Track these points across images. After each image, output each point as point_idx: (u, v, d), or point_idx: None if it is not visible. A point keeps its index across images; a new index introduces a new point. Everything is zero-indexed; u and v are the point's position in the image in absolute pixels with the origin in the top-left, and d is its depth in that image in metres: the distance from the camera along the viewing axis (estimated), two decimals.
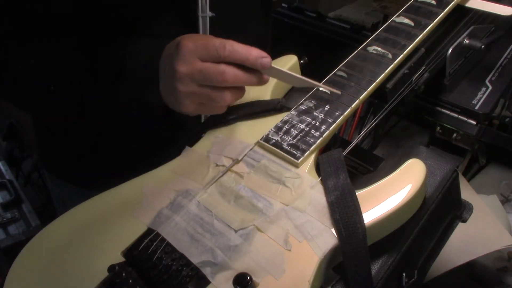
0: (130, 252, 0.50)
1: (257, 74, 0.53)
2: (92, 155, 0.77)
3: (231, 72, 0.51)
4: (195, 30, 0.67)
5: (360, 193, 0.49)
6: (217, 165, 0.56)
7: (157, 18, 0.66)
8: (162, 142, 0.63)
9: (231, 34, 0.74)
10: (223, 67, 0.51)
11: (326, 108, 0.57)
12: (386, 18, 1.12)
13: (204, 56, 0.52)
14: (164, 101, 0.58)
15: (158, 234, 0.50)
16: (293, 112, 0.58)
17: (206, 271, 0.46)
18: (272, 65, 0.53)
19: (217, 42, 0.51)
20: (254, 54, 0.51)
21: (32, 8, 0.60)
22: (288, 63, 0.68)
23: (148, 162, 0.58)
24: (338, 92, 0.57)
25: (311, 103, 0.58)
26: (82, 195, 0.57)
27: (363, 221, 0.46)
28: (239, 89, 0.55)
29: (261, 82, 0.54)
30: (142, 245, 0.50)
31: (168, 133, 0.66)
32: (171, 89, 0.54)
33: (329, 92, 0.57)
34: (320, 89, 0.58)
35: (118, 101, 0.62)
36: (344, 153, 0.54)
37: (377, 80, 0.58)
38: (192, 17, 0.67)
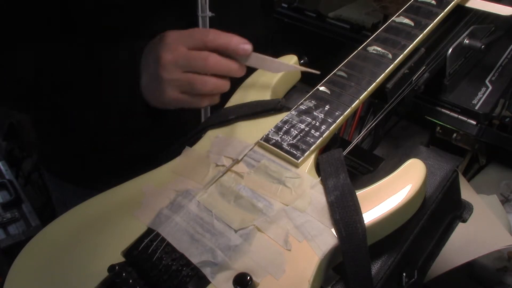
0: (130, 252, 0.50)
1: (238, 63, 0.56)
2: (91, 155, 0.77)
3: (214, 58, 0.54)
4: None
5: (360, 193, 0.49)
6: (217, 165, 0.56)
7: (157, 18, 0.66)
8: (162, 142, 0.63)
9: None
10: (206, 53, 0.54)
11: (326, 108, 0.57)
12: (386, 18, 1.12)
13: (188, 43, 0.54)
14: (146, 98, 0.59)
15: (158, 234, 0.50)
16: (293, 112, 0.58)
17: (206, 271, 0.46)
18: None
19: (201, 29, 0.54)
20: (235, 40, 0.55)
21: (30, 9, 0.60)
22: (288, 63, 0.68)
23: (148, 162, 0.58)
24: (317, 72, 0.59)
25: (311, 103, 0.58)
26: (82, 195, 0.57)
27: (363, 221, 0.46)
28: (222, 79, 0.56)
29: (241, 70, 0.57)
30: (142, 245, 0.50)
31: (167, 133, 0.66)
32: (154, 80, 0.56)
33: (312, 71, 0.60)
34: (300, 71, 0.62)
35: (106, 101, 0.62)
36: (344, 153, 0.54)
37: (377, 80, 0.58)
38: (192, 17, 0.67)
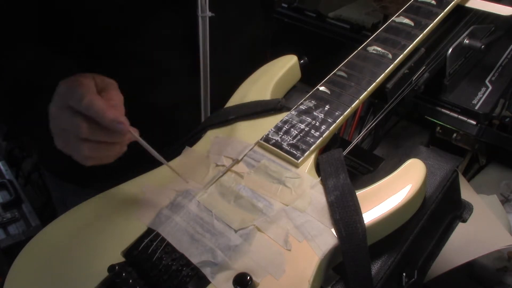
0: (130, 252, 0.50)
1: (117, 135, 0.50)
2: None
3: (85, 127, 0.48)
4: (195, 30, 0.67)
5: (360, 193, 0.49)
6: (217, 165, 0.56)
7: (157, 18, 0.66)
8: (162, 142, 0.63)
9: (231, 34, 0.75)
10: (78, 121, 0.48)
11: (326, 108, 0.57)
12: (386, 18, 1.12)
13: (67, 103, 0.49)
14: None
15: (158, 234, 0.50)
16: (293, 112, 0.58)
17: (206, 271, 0.46)
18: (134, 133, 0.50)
19: (80, 93, 0.48)
20: (109, 116, 0.47)
21: (28, 10, 0.60)
22: (288, 63, 0.68)
23: (148, 162, 0.58)
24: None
25: (311, 103, 0.58)
26: (82, 195, 0.57)
27: (363, 221, 0.46)
28: (104, 144, 0.50)
29: (121, 146, 0.51)
30: (142, 245, 0.50)
31: (167, 133, 0.66)
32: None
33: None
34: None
35: None
36: (344, 153, 0.54)
37: (377, 80, 0.58)
38: (192, 17, 0.67)
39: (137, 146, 0.63)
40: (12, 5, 0.60)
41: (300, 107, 0.58)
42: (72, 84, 0.50)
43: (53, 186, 0.91)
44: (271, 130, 0.57)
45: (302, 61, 0.69)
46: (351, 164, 0.64)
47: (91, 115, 0.48)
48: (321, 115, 0.56)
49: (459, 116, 0.81)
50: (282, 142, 0.55)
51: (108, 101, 0.49)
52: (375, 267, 0.50)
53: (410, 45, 0.61)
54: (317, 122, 0.56)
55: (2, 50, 0.61)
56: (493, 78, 0.84)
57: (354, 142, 0.60)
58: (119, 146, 0.51)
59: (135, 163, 0.59)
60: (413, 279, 0.52)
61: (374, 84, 0.58)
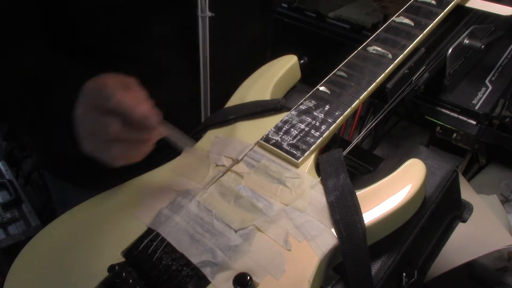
0: (130, 252, 0.50)
1: (147, 130, 0.50)
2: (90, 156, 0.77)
3: (116, 126, 0.48)
4: (195, 30, 0.68)
5: (360, 193, 0.49)
6: (217, 165, 0.56)
7: (157, 18, 0.66)
8: (162, 142, 0.63)
9: (231, 34, 0.75)
10: (108, 121, 0.48)
11: (326, 108, 0.57)
12: (386, 18, 1.12)
13: (94, 104, 0.50)
14: None
15: (158, 234, 0.50)
16: (293, 112, 0.58)
17: (206, 271, 0.46)
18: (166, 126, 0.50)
19: (108, 91, 0.48)
20: (140, 110, 0.48)
21: (28, 11, 0.60)
22: (288, 63, 0.68)
23: (148, 162, 0.58)
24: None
25: (311, 103, 0.58)
26: (82, 195, 0.57)
27: (363, 221, 0.46)
28: (134, 142, 0.50)
29: (150, 142, 0.51)
30: (142, 245, 0.50)
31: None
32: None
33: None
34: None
35: None
36: (344, 153, 0.54)
37: (377, 80, 0.58)
38: (192, 17, 0.67)
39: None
40: (15, 6, 0.60)
41: (300, 107, 0.58)
42: (98, 84, 0.50)
43: (53, 186, 0.91)
44: (271, 130, 0.57)
45: (302, 61, 0.70)
46: (351, 164, 0.64)
47: (122, 112, 0.48)
48: (321, 115, 0.56)
49: (459, 116, 0.81)
50: (282, 142, 0.55)
51: (135, 97, 0.49)
52: (375, 267, 0.50)
53: (410, 45, 0.61)
54: (317, 122, 0.56)
55: (6, 50, 0.61)
56: (493, 78, 0.84)
57: (354, 142, 0.60)
58: (148, 142, 0.51)
59: (136, 165, 0.59)
60: (413, 279, 0.52)
61: (374, 84, 0.58)
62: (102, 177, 0.58)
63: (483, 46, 0.75)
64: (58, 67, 0.61)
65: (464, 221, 0.61)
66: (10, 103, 0.63)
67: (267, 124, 0.58)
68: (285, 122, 0.57)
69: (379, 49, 0.62)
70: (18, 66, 0.60)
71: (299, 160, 0.52)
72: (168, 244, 0.49)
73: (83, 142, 0.52)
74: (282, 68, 0.67)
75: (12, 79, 0.61)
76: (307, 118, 0.56)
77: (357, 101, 0.56)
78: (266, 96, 0.64)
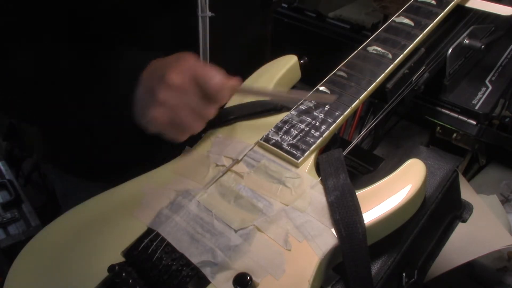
0: (130, 252, 0.50)
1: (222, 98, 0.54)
2: (94, 148, 0.77)
3: (198, 97, 0.52)
4: (195, 30, 0.67)
5: (360, 193, 0.49)
6: (217, 165, 0.56)
7: (157, 18, 0.66)
8: (162, 142, 0.63)
9: (231, 34, 0.75)
10: (189, 93, 0.52)
11: (326, 108, 0.57)
12: (386, 18, 1.12)
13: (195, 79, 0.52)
14: (133, 110, 0.57)
15: (158, 234, 0.50)
16: (293, 112, 0.58)
17: (206, 271, 0.46)
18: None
19: (210, 72, 0.53)
20: (218, 77, 0.52)
21: (30, 7, 0.60)
22: (288, 63, 0.68)
23: (149, 157, 0.58)
24: (331, 99, 0.57)
25: (311, 103, 0.58)
26: (86, 188, 0.57)
27: (363, 221, 0.46)
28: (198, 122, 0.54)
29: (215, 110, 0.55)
30: (142, 245, 0.50)
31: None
32: (150, 96, 0.54)
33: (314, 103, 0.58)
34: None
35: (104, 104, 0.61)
36: (344, 153, 0.54)
37: (377, 80, 0.58)
38: (192, 17, 0.67)
39: (142, 142, 0.63)
40: (16, 4, 0.60)
41: (300, 107, 0.58)
42: (195, 60, 0.54)
43: (56, 180, 0.91)
44: (271, 130, 0.57)
45: (302, 61, 0.70)
46: (351, 164, 0.64)
47: (202, 81, 0.52)
48: (321, 115, 0.56)
49: (459, 116, 0.81)
50: (282, 142, 0.55)
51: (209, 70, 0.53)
52: (375, 267, 0.50)
53: (410, 45, 0.61)
54: (317, 122, 0.56)
55: (10, 45, 0.61)
56: (493, 78, 0.84)
57: (354, 142, 0.60)
58: (214, 111, 0.54)
59: (138, 155, 0.59)
60: (413, 279, 0.52)
61: (374, 84, 0.58)
62: (106, 170, 0.58)
63: (483, 46, 0.75)
64: (62, 61, 0.61)
65: (464, 221, 0.61)
66: (18, 95, 0.63)
67: (267, 124, 0.58)
68: (285, 122, 0.57)
69: (379, 49, 0.62)
70: (22, 61, 0.61)
71: (299, 160, 0.52)
72: (168, 244, 0.49)
73: (159, 108, 0.53)
74: (282, 68, 0.67)
75: (16, 72, 0.61)
76: (307, 118, 0.56)
77: (357, 101, 0.56)
78: None
